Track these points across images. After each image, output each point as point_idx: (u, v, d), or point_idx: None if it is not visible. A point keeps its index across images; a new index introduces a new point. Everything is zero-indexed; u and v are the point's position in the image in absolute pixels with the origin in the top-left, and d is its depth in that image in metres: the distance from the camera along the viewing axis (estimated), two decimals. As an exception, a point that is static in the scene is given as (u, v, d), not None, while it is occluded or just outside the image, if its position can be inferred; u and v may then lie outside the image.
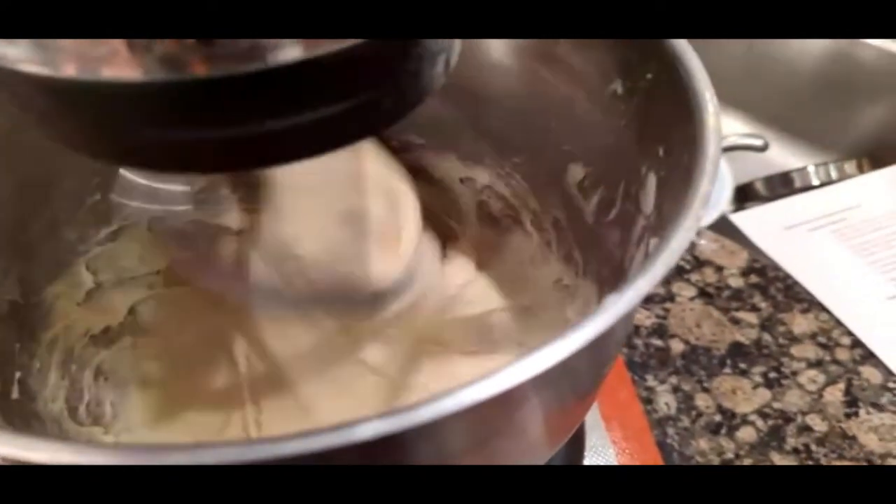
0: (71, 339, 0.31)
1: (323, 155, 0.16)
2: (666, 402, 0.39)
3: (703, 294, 0.44)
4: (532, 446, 0.24)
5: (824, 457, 0.36)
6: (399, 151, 0.32)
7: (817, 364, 0.40)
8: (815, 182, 0.49)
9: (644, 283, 0.15)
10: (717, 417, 0.38)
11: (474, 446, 0.20)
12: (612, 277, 0.27)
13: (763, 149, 0.47)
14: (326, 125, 0.15)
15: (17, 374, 0.28)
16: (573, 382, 0.21)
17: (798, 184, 0.49)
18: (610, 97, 0.24)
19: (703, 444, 0.38)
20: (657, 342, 0.42)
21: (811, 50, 0.51)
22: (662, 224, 0.20)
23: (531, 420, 0.21)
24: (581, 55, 0.24)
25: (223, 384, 0.31)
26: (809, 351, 0.41)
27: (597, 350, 0.19)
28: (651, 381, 0.40)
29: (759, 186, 0.50)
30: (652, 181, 0.22)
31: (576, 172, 0.27)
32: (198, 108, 0.15)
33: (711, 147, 0.18)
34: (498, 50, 0.27)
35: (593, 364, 0.21)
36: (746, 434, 0.38)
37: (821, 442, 0.37)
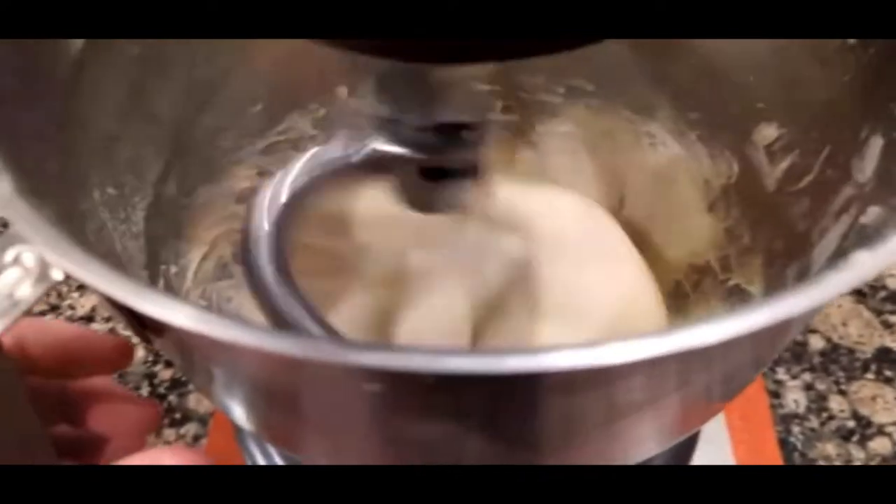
0: (212, 244, 0.31)
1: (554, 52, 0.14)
2: (795, 398, 0.37)
3: (856, 291, 0.40)
4: (661, 431, 0.22)
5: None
6: (566, 97, 0.30)
7: (975, 384, 0.36)
8: None
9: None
10: (851, 423, 0.36)
11: (615, 413, 0.19)
12: (788, 251, 0.24)
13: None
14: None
15: (162, 268, 0.28)
16: (743, 362, 0.19)
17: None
18: (837, 48, 0.21)
19: (829, 448, 0.35)
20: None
21: None
22: (887, 191, 0.18)
23: (678, 401, 0.20)
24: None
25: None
26: (968, 369, 0.37)
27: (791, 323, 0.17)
28: (782, 374, 0.38)
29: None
30: (876, 145, 0.19)
31: (767, 133, 0.25)
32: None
33: None
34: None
35: (774, 340, 0.19)
36: (880, 445, 0.35)
37: (967, 467, 0.34)
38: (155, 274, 0.27)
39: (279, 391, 0.19)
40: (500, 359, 0.13)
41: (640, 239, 0.31)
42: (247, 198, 0.32)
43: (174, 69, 0.27)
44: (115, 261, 0.23)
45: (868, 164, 0.20)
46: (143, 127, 0.27)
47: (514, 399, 0.16)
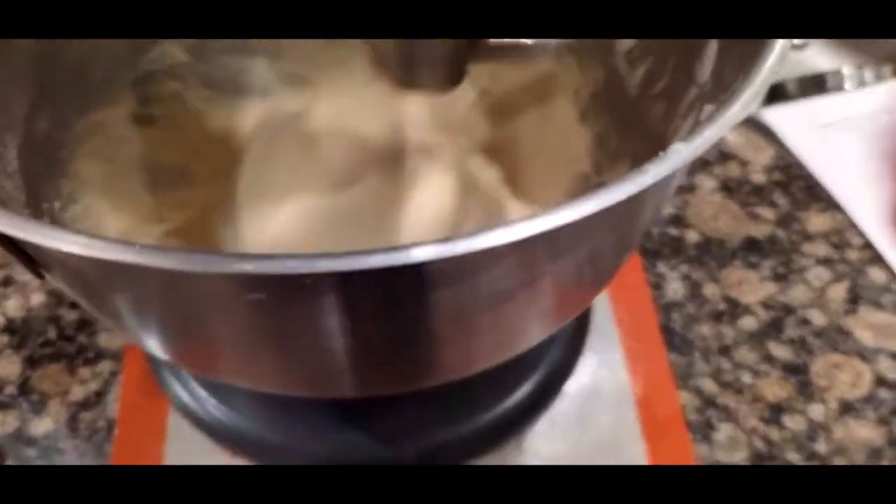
0: (93, 174, 0.31)
1: None
2: (674, 288, 0.40)
3: (725, 188, 0.44)
4: (544, 314, 0.24)
5: (818, 349, 0.38)
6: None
7: (826, 262, 0.41)
8: (849, 85, 0.48)
9: (712, 132, 0.16)
10: (722, 306, 0.40)
11: (497, 298, 0.20)
12: (649, 153, 0.26)
13: (801, 48, 0.46)
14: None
15: (45, 206, 0.28)
16: (609, 238, 0.21)
17: (830, 86, 0.48)
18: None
19: (705, 329, 0.39)
20: (673, 231, 0.42)
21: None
22: (721, 90, 0.20)
23: (555, 281, 0.22)
24: None
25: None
26: (820, 249, 0.41)
27: (643, 200, 0.19)
28: (662, 268, 0.41)
29: (790, 87, 0.49)
30: (712, 49, 0.21)
31: (625, 42, 0.27)
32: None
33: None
34: None
35: (632, 222, 0.21)
36: (747, 323, 0.39)
37: (818, 335, 0.38)
38: (38, 212, 0.27)
39: (178, 312, 0.19)
40: (364, 257, 0.14)
41: (520, 155, 0.32)
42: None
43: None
44: (-7, 201, 0.23)
45: (706, 66, 0.22)
46: (2, 65, 0.25)
47: (397, 293, 0.18)
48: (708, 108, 0.21)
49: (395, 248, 0.14)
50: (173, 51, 0.31)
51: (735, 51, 0.20)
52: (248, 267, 0.14)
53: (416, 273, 0.15)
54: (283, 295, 0.16)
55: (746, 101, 0.16)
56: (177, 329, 0.21)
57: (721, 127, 0.16)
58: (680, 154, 0.15)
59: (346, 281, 0.15)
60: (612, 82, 0.28)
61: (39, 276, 0.19)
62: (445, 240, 0.14)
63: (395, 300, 0.17)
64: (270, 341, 0.20)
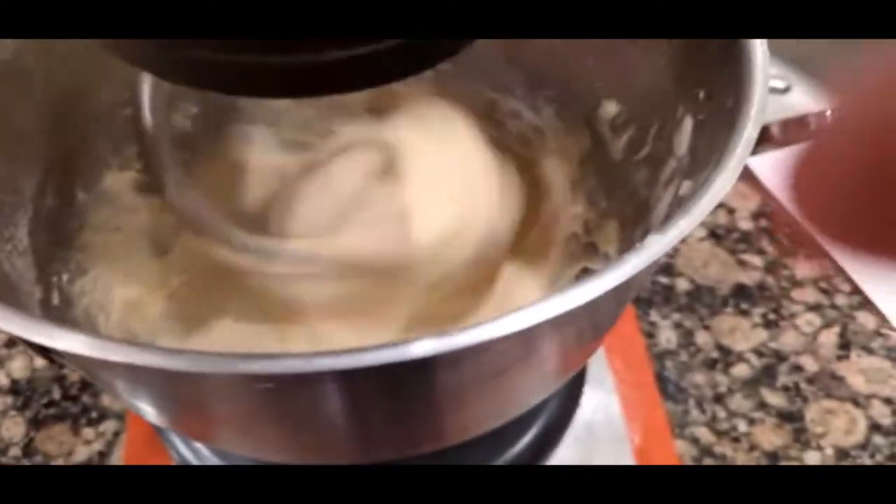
0: (101, 245, 0.32)
1: (382, 84, 0.16)
2: (667, 337, 0.41)
3: (713, 235, 0.45)
4: (543, 378, 0.25)
5: (812, 395, 0.38)
6: (431, 80, 0.32)
7: (815, 308, 0.42)
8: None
9: (686, 223, 0.17)
10: (715, 354, 0.40)
11: (497, 373, 0.21)
12: (636, 215, 0.28)
13: (785, 91, 0.47)
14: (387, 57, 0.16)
15: (54, 279, 0.29)
16: (598, 316, 0.22)
17: (814, 128, 0.49)
18: (653, 37, 0.24)
19: (698, 378, 0.40)
20: (664, 280, 0.43)
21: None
22: (696, 167, 0.21)
23: (553, 351, 0.22)
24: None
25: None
26: (809, 295, 0.42)
27: (627, 286, 0.20)
28: (654, 316, 0.42)
29: (775, 131, 0.50)
30: (688, 124, 0.23)
31: (609, 109, 0.28)
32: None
33: (758, 92, 0.18)
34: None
35: (618, 299, 0.22)
36: (740, 370, 0.40)
37: (811, 381, 0.39)
38: (47, 286, 0.27)
39: (182, 395, 0.20)
40: (364, 354, 0.15)
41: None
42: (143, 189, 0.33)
43: (32, 84, 0.27)
44: (6, 281, 0.24)
45: (684, 140, 0.23)
46: (11, 144, 0.27)
47: (399, 378, 0.18)
48: (686, 183, 0.22)
49: (394, 344, 0.15)
50: (177, 119, 0.32)
51: (708, 128, 0.21)
52: (255, 367, 0.14)
53: (417, 363, 0.16)
54: (288, 384, 0.17)
55: (717, 190, 0.17)
56: (183, 407, 0.22)
57: (695, 218, 0.17)
58: (657, 245, 0.16)
59: (348, 373, 0.16)
60: (597, 148, 0.30)
61: (52, 361, 0.20)
62: (445, 333, 0.15)
63: (396, 384, 0.18)
64: (274, 419, 0.21)
